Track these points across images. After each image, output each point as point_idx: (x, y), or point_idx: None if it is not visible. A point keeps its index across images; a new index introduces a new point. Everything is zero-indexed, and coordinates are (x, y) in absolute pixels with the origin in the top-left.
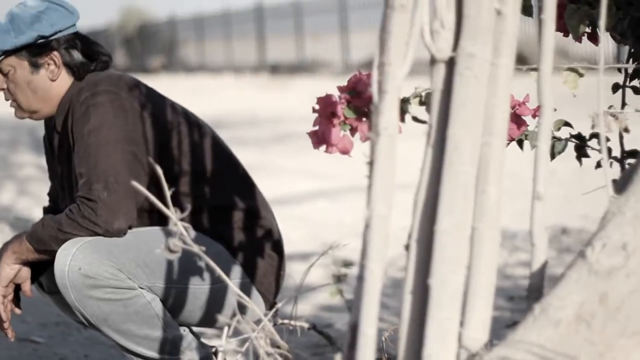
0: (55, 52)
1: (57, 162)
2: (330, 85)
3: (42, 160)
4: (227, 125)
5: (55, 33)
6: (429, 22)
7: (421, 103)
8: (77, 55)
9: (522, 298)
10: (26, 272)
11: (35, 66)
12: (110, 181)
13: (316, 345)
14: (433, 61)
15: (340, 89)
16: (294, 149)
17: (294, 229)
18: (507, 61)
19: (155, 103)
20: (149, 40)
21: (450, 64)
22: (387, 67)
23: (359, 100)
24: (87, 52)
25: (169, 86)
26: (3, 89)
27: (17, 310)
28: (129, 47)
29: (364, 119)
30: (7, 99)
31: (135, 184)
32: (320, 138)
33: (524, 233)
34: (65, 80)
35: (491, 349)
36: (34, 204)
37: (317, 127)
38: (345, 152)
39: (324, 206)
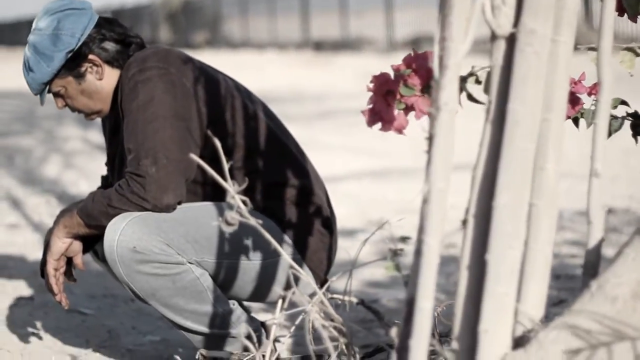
0: (91, 55)
1: (108, 138)
2: (375, 63)
3: (88, 134)
4: (272, 101)
5: (80, 39)
6: None
7: (477, 82)
8: (111, 46)
9: (568, 277)
10: (78, 245)
11: (80, 76)
12: (159, 157)
13: (362, 320)
14: (493, 37)
15: (395, 67)
16: (339, 126)
17: (339, 205)
18: (567, 38)
19: (207, 77)
20: (193, 15)
21: (511, 40)
22: (448, 43)
23: (415, 78)
24: (117, 37)
25: (213, 62)
26: (65, 107)
27: (72, 282)
28: (173, 23)
29: (420, 96)
30: (73, 112)
31: (192, 156)
32: (375, 116)
33: (570, 212)
34: (112, 74)
35: (547, 323)
36: (80, 177)
37: (370, 105)
38: (400, 130)
39: (369, 183)
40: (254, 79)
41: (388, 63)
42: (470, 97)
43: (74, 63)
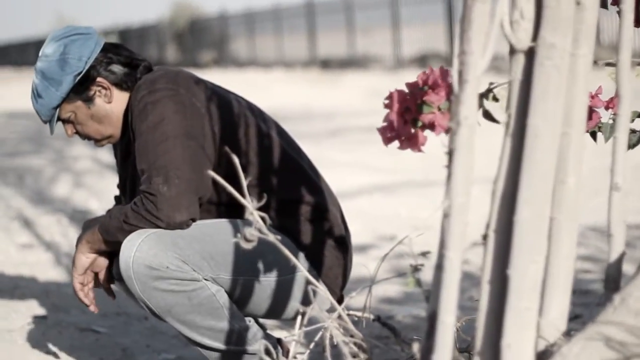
0: (99, 78)
1: (120, 161)
2: (382, 80)
3: (97, 153)
4: (280, 119)
5: (87, 62)
6: (509, 13)
7: (494, 99)
8: (118, 69)
9: (583, 292)
10: (103, 261)
11: (89, 100)
12: (170, 175)
13: (377, 336)
14: (512, 51)
15: (410, 85)
16: (348, 143)
17: (350, 221)
18: (587, 52)
19: (218, 97)
20: (200, 35)
21: (530, 54)
22: (468, 57)
23: (433, 94)
24: (124, 60)
25: (220, 81)
26: (75, 134)
27: (111, 297)
28: (180, 42)
29: (438, 113)
30: (83, 139)
31: (210, 172)
32: (392, 134)
33: (582, 227)
34: (121, 97)
35: (570, 337)
36: (90, 196)
37: (386, 123)
38: (419, 148)
39: (380, 199)
40: (262, 98)
41: (395, 81)
42: (487, 115)
43: (83, 86)
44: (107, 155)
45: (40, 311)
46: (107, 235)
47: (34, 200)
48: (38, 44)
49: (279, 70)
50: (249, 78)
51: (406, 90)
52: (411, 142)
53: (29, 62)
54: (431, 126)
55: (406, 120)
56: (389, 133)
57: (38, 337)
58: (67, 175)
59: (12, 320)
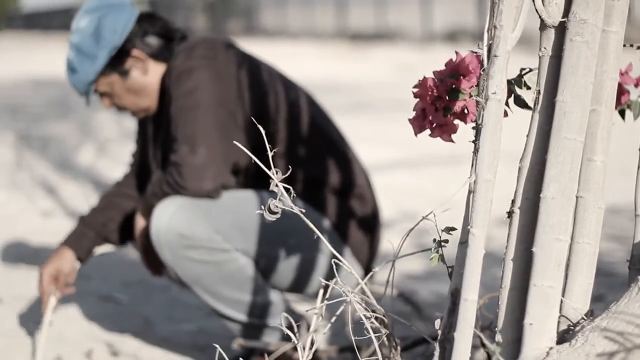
0: (134, 51)
1: (153, 131)
2: (411, 55)
3: (123, 122)
4: None
5: (122, 35)
6: None
7: (526, 87)
8: (154, 40)
9: (606, 273)
10: None
11: (125, 73)
12: (197, 144)
13: (400, 312)
14: (543, 26)
15: (439, 72)
16: (375, 117)
17: None
18: (618, 28)
19: (252, 66)
20: (230, 4)
21: (561, 29)
22: (498, 31)
23: (464, 82)
24: (159, 31)
25: (248, 51)
26: (112, 105)
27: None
28: (210, 11)
29: (468, 100)
30: (120, 111)
31: (236, 143)
32: (423, 123)
33: (608, 207)
34: (157, 68)
35: (592, 319)
36: (114, 164)
37: (416, 113)
38: (449, 136)
39: (405, 174)
40: (289, 69)
41: (424, 55)
42: (518, 100)
43: (118, 60)
44: (132, 123)
45: None
46: (148, 207)
47: (58, 167)
48: (65, 11)
49: (308, 42)
50: (277, 49)
51: (434, 78)
52: (443, 130)
53: (56, 28)
54: (462, 114)
55: (437, 108)
56: (420, 122)
57: (59, 305)
58: (92, 143)
59: (33, 287)
